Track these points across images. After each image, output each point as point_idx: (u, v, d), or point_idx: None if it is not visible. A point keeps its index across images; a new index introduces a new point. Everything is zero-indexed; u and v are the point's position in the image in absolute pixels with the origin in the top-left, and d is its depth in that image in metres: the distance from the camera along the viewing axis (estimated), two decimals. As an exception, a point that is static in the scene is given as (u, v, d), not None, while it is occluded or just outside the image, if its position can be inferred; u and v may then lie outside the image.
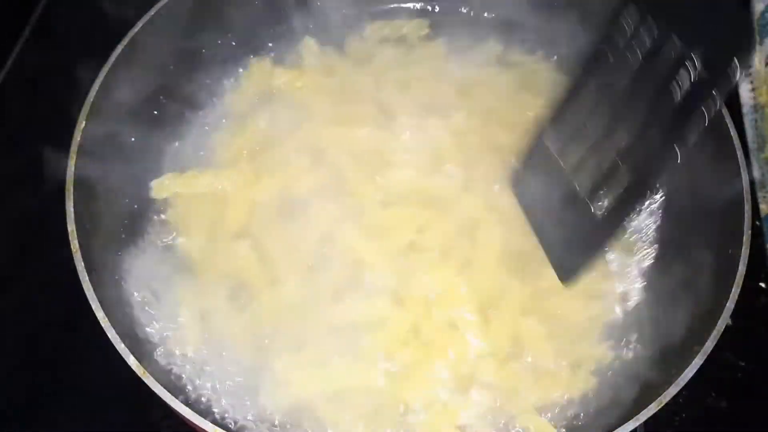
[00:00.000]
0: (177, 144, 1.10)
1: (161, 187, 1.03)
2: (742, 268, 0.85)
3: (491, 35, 1.19)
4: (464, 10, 1.22)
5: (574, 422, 0.91)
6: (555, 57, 1.18)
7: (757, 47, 1.33)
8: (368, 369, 0.90)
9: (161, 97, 1.08)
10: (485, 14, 1.21)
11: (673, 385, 0.78)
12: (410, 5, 1.23)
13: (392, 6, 1.23)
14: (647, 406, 0.78)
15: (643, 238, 1.04)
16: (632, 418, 0.77)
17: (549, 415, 0.91)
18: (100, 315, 0.79)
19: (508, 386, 0.90)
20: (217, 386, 0.91)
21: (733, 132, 0.92)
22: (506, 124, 1.07)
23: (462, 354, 0.91)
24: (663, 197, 1.07)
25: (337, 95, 1.11)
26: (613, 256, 1.01)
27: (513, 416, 0.89)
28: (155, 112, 1.08)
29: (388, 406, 0.89)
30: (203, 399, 0.90)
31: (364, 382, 0.89)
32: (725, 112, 0.93)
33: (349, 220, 0.99)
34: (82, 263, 0.82)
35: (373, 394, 0.89)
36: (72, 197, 0.87)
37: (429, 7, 1.23)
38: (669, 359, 0.89)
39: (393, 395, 0.89)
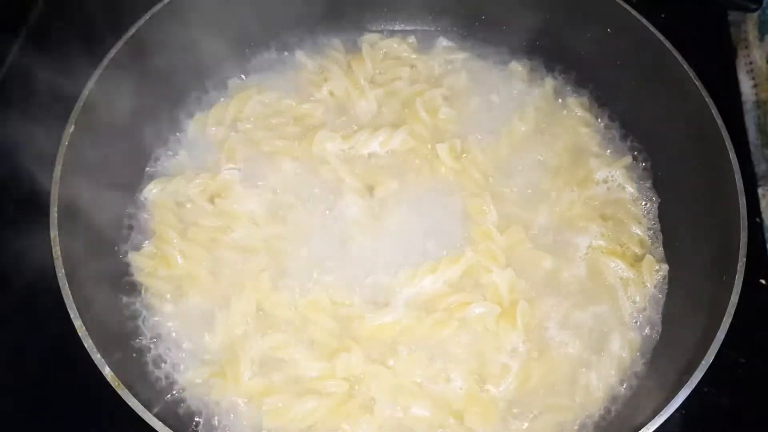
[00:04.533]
0: (169, 150, 1.10)
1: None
2: (741, 266, 0.85)
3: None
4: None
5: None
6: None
7: (759, 44, 1.32)
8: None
9: (155, 105, 1.08)
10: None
11: (685, 386, 0.79)
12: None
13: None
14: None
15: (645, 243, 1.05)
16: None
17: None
18: (77, 323, 0.78)
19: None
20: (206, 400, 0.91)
21: (724, 132, 0.93)
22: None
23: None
24: (660, 202, 1.07)
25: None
26: (619, 263, 1.01)
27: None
28: (148, 119, 1.08)
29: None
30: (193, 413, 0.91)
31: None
32: (716, 113, 0.94)
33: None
34: (63, 270, 0.82)
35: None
36: (57, 201, 0.86)
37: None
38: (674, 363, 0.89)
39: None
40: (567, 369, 0.94)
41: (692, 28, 1.26)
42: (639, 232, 1.04)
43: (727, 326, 0.82)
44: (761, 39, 1.32)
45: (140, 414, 0.75)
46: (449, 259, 0.98)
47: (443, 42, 1.21)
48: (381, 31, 1.22)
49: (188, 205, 1.04)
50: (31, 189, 0.96)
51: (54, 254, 0.83)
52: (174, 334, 0.95)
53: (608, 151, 1.11)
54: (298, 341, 0.93)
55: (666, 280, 1.01)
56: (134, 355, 0.93)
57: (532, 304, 0.96)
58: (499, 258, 0.99)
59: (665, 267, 1.01)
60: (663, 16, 1.24)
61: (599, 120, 1.14)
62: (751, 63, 1.33)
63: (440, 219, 1.03)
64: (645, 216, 1.06)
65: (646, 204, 1.07)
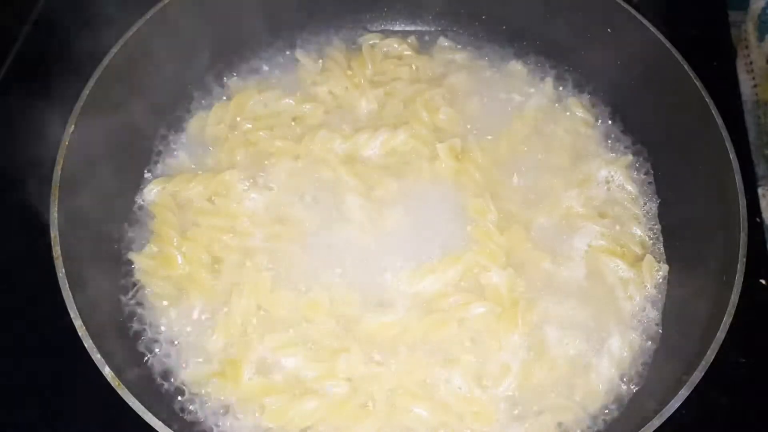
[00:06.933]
0: (169, 150, 1.10)
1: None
2: (741, 266, 0.85)
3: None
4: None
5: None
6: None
7: (759, 44, 1.32)
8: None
9: (155, 105, 1.08)
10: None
11: (685, 386, 0.79)
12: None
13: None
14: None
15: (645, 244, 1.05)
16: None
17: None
18: (77, 323, 0.78)
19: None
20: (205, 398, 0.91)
21: (724, 133, 0.93)
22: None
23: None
24: (660, 202, 1.07)
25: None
26: (619, 263, 1.01)
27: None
28: (148, 119, 1.08)
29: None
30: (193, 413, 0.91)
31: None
32: (716, 113, 0.94)
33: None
34: (63, 270, 0.81)
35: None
36: (57, 202, 0.86)
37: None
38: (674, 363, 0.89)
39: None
40: (567, 369, 0.94)
41: (692, 28, 1.26)
42: (639, 232, 1.04)
43: (727, 326, 0.82)
44: (761, 39, 1.32)
45: (140, 414, 0.75)
46: (449, 259, 0.98)
47: (443, 42, 1.21)
48: (381, 31, 1.22)
49: (188, 205, 1.04)
50: (31, 189, 0.96)
51: (54, 254, 0.83)
52: (174, 334, 0.95)
53: (608, 151, 1.12)
54: (299, 341, 0.93)
55: (666, 281, 1.01)
56: (134, 354, 0.93)
57: (532, 304, 0.96)
58: (499, 258, 0.99)
59: (665, 267, 1.01)
60: (663, 16, 1.24)
61: (599, 120, 1.14)
62: (751, 63, 1.33)
63: (440, 219, 1.03)
64: (645, 216, 1.06)
65: (646, 204, 1.07)
